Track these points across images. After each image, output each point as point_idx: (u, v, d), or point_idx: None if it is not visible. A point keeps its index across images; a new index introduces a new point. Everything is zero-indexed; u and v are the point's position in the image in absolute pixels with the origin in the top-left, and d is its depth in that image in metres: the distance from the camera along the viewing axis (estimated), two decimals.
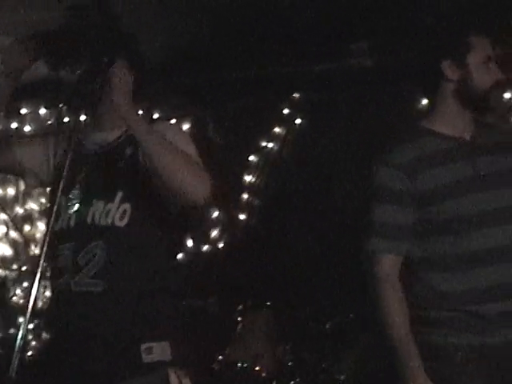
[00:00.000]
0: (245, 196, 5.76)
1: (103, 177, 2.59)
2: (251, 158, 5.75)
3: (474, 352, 2.62)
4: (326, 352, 4.31)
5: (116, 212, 2.53)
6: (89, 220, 2.56)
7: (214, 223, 5.64)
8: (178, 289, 2.65)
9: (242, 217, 5.73)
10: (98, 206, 2.55)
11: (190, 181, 2.43)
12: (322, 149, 5.49)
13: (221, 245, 5.70)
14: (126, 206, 2.53)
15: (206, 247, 5.67)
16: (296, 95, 5.73)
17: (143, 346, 2.49)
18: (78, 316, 2.53)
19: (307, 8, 4.47)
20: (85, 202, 2.58)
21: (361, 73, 5.27)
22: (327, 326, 4.36)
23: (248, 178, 5.75)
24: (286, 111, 5.73)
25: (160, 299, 2.57)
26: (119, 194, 2.54)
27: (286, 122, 5.76)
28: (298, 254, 5.19)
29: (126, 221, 2.53)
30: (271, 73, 5.35)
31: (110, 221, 2.53)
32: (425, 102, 5.28)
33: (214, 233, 5.65)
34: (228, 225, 5.68)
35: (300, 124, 5.75)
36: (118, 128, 2.64)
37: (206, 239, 5.67)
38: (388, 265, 2.71)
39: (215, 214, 5.64)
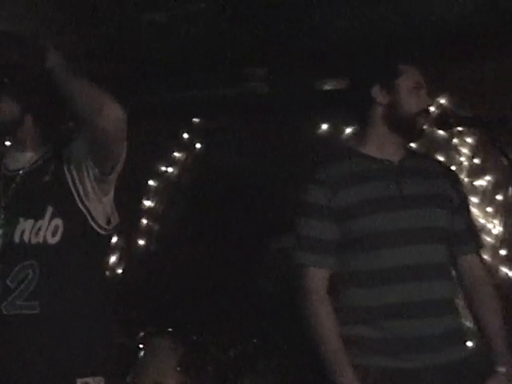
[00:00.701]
0: (144, 221, 5.71)
1: (30, 194, 2.53)
2: (150, 182, 5.71)
3: (385, 375, 2.64)
4: (229, 379, 4.28)
5: (47, 229, 2.47)
6: (17, 239, 2.48)
7: (113, 249, 5.56)
8: (110, 312, 2.59)
9: (141, 242, 5.68)
10: (27, 224, 2.48)
11: (103, 105, 2.38)
12: (221, 173, 5.49)
13: (119, 270, 5.62)
14: (58, 221, 2.47)
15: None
16: (196, 120, 5.74)
17: (79, 381, 2.41)
18: (10, 341, 2.43)
19: (205, 33, 4.48)
20: (10, 222, 2.50)
21: (258, 98, 5.33)
22: (230, 353, 4.34)
23: (147, 203, 5.71)
24: (185, 136, 5.73)
25: (94, 324, 2.49)
26: (49, 210, 2.48)
27: (186, 146, 5.76)
28: (199, 279, 5.16)
29: (58, 238, 2.47)
30: (171, 98, 5.35)
31: (41, 239, 2.47)
32: (324, 126, 5.44)
33: (113, 258, 5.57)
34: (127, 250, 5.61)
35: (200, 148, 5.76)
36: (40, 147, 2.61)
37: (105, 265, 5.57)
38: (315, 278, 2.74)
39: (114, 239, 5.55)
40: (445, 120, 2.72)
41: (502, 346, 2.72)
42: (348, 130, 5.40)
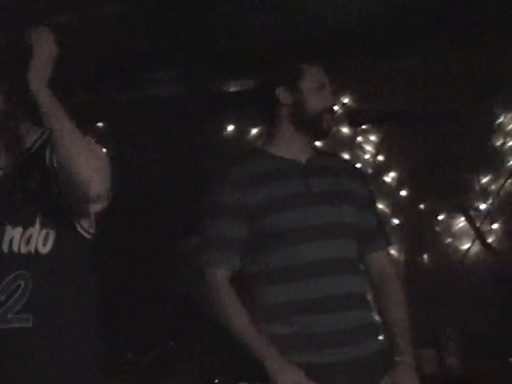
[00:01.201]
0: None
1: (16, 199, 2.36)
2: None
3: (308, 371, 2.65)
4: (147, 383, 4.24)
5: (38, 237, 2.33)
6: (5, 249, 2.32)
7: None
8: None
9: None
10: (15, 232, 2.33)
11: (92, 173, 2.25)
12: (130, 176, 5.45)
13: None
14: (48, 229, 2.34)
15: None
16: (99, 125, 5.68)
17: None
18: (3, 357, 2.28)
19: (113, 36, 4.45)
20: None
21: (166, 100, 5.32)
22: (147, 357, 4.31)
23: None
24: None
25: (88, 336, 2.39)
26: (39, 217, 2.34)
27: None
28: (112, 282, 5.11)
29: (49, 247, 2.34)
30: (77, 101, 5.27)
31: (32, 248, 2.33)
32: (231, 128, 5.48)
33: None
34: None
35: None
36: (22, 146, 2.43)
37: None
38: (220, 277, 2.75)
39: None
40: (356, 116, 2.78)
41: (403, 336, 2.77)
42: (254, 131, 5.44)
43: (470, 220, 2.52)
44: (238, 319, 2.70)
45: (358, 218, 2.85)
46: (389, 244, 3.00)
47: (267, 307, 2.74)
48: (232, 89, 5.43)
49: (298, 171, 2.82)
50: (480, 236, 2.46)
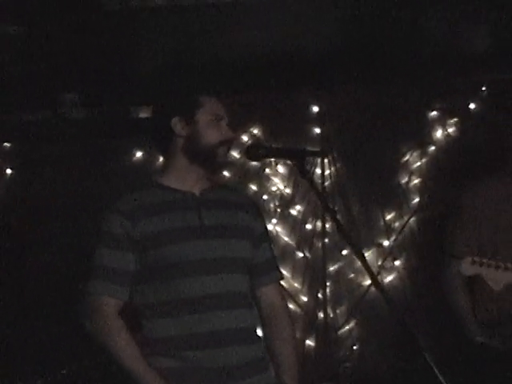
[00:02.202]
0: None
1: None
2: None
3: None
4: None
5: None
6: None
7: None
8: None
9: None
10: None
11: None
12: (33, 200, 5.35)
13: None
14: None
15: None
16: (6, 145, 5.57)
17: None
18: None
19: (16, 57, 4.38)
20: None
21: (72, 124, 5.24)
22: (63, 373, 4.20)
23: None
24: None
25: None
26: None
27: None
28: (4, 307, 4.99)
29: None
30: None
31: None
32: (139, 154, 5.43)
33: None
34: None
35: (10, 175, 5.58)
36: None
37: None
38: (107, 307, 2.70)
39: None
40: (254, 151, 2.74)
41: (289, 374, 2.79)
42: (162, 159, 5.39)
43: (361, 257, 2.51)
44: (125, 352, 2.66)
45: (250, 252, 2.83)
46: (280, 278, 2.99)
47: (156, 340, 2.70)
48: (142, 114, 5.37)
49: (191, 203, 2.77)
50: (371, 274, 2.45)
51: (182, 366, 2.66)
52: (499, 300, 3.52)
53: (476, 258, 2.96)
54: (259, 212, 2.98)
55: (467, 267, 2.99)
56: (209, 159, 2.79)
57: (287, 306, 2.98)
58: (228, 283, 2.72)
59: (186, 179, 2.80)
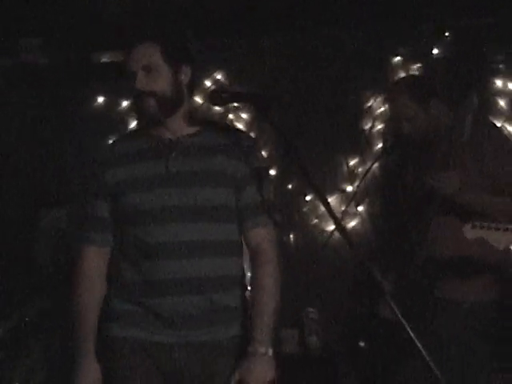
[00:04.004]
0: None
1: None
2: None
3: (141, 347, 2.70)
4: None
5: None
6: None
7: None
8: None
9: None
10: None
11: None
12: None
13: None
14: None
15: None
16: None
17: None
18: None
19: None
20: None
21: (34, 69, 5.18)
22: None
23: None
24: None
25: None
26: None
27: None
28: None
29: None
30: None
31: None
32: (101, 99, 5.38)
33: None
34: None
35: None
36: None
37: None
38: (91, 255, 2.79)
39: None
40: (217, 96, 2.70)
41: (261, 324, 2.70)
42: (125, 104, 5.36)
43: (325, 202, 2.51)
44: (81, 302, 2.75)
45: (227, 199, 2.75)
46: (269, 222, 2.81)
47: (121, 284, 2.74)
48: (103, 60, 5.31)
49: (163, 151, 2.75)
50: (334, 219, 2.46)
51: (139, 310, 2.70)
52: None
53: (476, 223, 3.06)
54: (247, 154, 2.78)
55: (469, 231, 3.08)
56: (138, 112, 2.76)
57: (273, 254, 2.78)
58: (190, 232, 2.68)
59: (163, 126, 2.77)
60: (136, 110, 2.75)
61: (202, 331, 2.69)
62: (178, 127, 2.78)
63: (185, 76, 2.75)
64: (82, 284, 2.77)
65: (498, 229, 3.06)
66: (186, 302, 2.66)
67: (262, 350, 2.66)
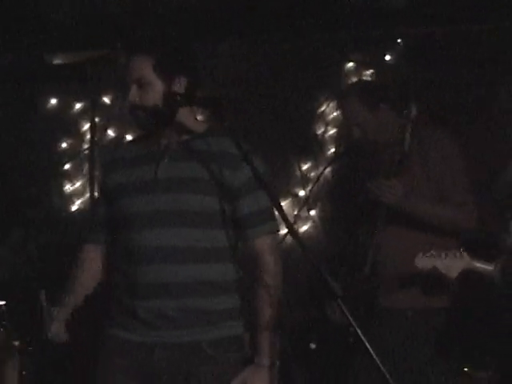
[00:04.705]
0: None
1: None
2: None
3: (122, 346, 2.75)
4: None
5: None
6: None
7: None
8: None
9: None
10: None
11: None
12: None
13: None
14: None
15: None
16: None
17: None
18: None
19: None
20: None
21: None
22: None
23: None
24: None
25: None
26: None
27: None
28: None
29: None
30: None
31: None
32: (54, 101, 5.35)
33: None
34: None
35: None
36: None
37: None
38: (86, 251, 2.93)
39: None
40: (170, 98, 2.71)
41: (264, 336, 2.70)
42: (78, 106, 5.34)
43: (277, 206, 2.54)
44: (73, 274, 2.91)
45: (214, 207, 2.73)
46: (269, 231, 2.78)
47: (114, 285, 2.82)
48: (56, 61, 5.28)
49: (154, 157, 2.78)
50: (287, 223, 2.48)
51: (120, 311, 2.78)
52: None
53: (427, 253, 3.16)
54: (244, 161, 2.65)
55: (422, 262, 3.16)
56: (134, 122, 2.82)
57: (273, 264, 2.75)
58: (171, 237, 2.70)
59: (158, 134, 2.80)
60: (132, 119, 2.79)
61: (180, 332, 2.71)
62: (172, 135, 2.79)
63: (179, 87, 2.74)
64: (76, 267, 2.91)
65: (447, 255, 3.15)
66: (166, 306, 2.69)
67: (268, 363, 2.69)
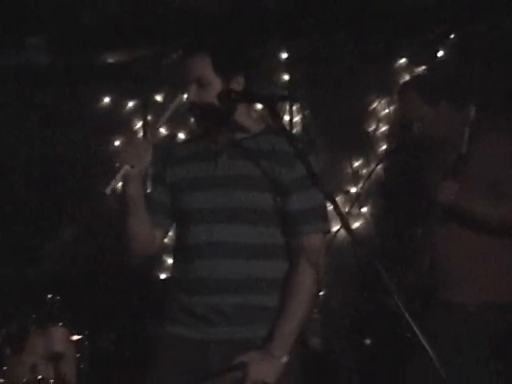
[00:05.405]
0: None
1: None
2: None
3: (181, 343, 2.78)
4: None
5: None
6: None
7: None
8: None
9: None
10: None
11: None
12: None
13: None
14: None
15: None
16: None
17: None
18: None
19: None
20: None
21: (39, 69, 5.20)
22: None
23: None
24: None
25: None
26: None
27: None
28: None
29: None
30: None
31: None
32: (107, 100, 5.40)
33: None
34: None
35: None
36: None
37: None
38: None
39: None
40: (226, 96, 2.74)
41: (286, 331, 2.69)
42: (130, 104, 5.39)
43: (332, 202, 2.54)
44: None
45: (268, 204, 2.76)
46: (318, 228, 2.78)
47: (172, 280, 2.90)
48: (108, 60, 5.33)
49: (214, 153, 2.82)
50: (343, 220, 2.48)
51: (175, 307, 2.83)
52: None
53: None
54: (298, 160, 2.66)
55: None
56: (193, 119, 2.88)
57: (315, 263, 2.74)
58: (227, 233, 2.74)
59: (216, 131, 2.85)
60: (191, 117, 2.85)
61: (236, 329, 2.74)
62: (230, 133, 2.83)
63: (238, 85, 2.77)
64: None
65: None
66: (221, 302, 2.73)
67: (277, 353, 2.68)
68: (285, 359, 2.68)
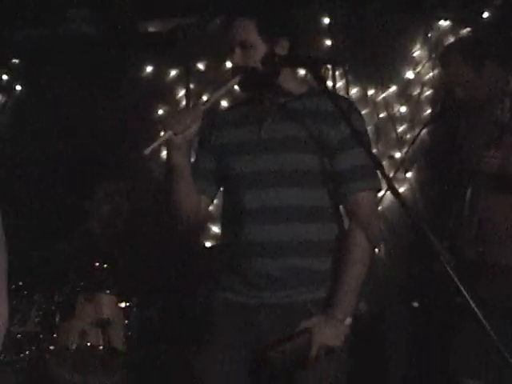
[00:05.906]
0: None
1: None
2: None
3: (232, 309, 2.79)
4: (54, 324, 4.20)
5: None
6: None
7: None
8: None
9: None
10: None
11: None
12: (43, 117, 5.36)
13: None
14: None
15: None
16: (15, 61, 5.55)
17: None
18: None
19: None
20: None
21: (82, 40, 5.23)
22: (55, 299, 4.28)
23: None
24: (4, 77, 5.53)
25: None
26: None
27: (5, 88, 5.56)
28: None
29: None
30: None
31: None
32: (149, 69, 5.42)
33: None
34: None
35: (20, 91, 5.59)
36: None
37: None
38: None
39: None
40: (270, 60, 2.72)
41: (347, 292, 2.68)
42: (173, 73, 5.39)
43: (378, 166, 2.53)
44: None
45: (317, 166, 2.74)
46: (369, 186, 2.75)
47: (220, 245, 2.94)
48: (150, 29, 5.34)
49: (258, 117, 2.81)
50: (389, 183, 2.47)
51: (225, 273, 2.82)
52: None
53: None
54: (345, 118, 2.64)
55: None
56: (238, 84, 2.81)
57: (369, 221, 2.72)
58: (277, 197, 2.73)
59: (260, 95, 2.83)
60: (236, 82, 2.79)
61: (286, 293, 2.73)
62: (275, 96, 2.81)
63: (282, 49, 2.75)
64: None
65: None
66: (271, 265, 2.71)
67: (340, 317, 2.68)
68: (348, 321, 2.69)
